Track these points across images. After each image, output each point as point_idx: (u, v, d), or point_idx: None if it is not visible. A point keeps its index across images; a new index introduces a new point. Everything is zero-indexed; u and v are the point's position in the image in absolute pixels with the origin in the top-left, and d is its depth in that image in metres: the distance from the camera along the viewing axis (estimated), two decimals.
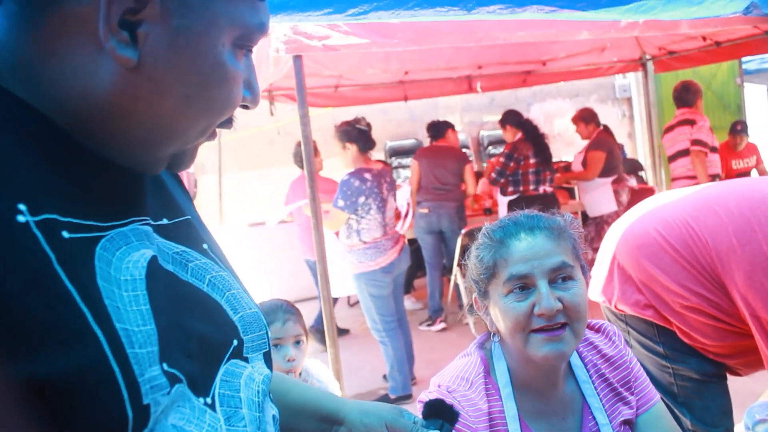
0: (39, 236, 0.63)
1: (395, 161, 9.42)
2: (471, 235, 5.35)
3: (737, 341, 1.99)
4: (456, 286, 5.98)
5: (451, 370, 1.43)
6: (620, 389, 1.46)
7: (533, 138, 5.92)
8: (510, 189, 5.99)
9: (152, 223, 0.77)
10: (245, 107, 0.80)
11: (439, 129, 6.18)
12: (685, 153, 5.85)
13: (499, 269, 1.36)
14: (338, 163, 4.60)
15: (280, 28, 3.16)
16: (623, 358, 1.49)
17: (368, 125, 4.49)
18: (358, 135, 4.42)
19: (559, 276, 1.34)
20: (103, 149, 0.72)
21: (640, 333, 2.08)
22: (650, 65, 6.96)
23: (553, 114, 10.20)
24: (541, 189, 5.92)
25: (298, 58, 3.32)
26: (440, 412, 1.05)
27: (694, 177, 5.74)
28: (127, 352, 0.65)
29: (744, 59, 9.29)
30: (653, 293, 2.05)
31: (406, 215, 5.56)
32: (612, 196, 6.32)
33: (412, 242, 6.05)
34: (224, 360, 0.78)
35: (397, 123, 8.61)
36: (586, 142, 6.63)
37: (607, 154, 6.38)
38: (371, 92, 6.88)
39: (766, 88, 11.58)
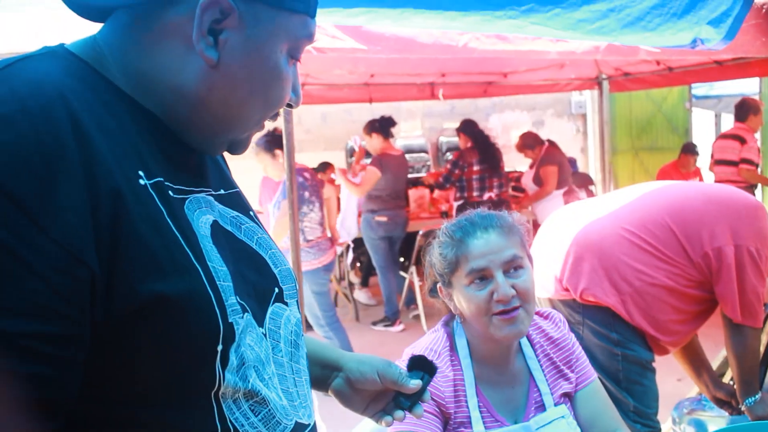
0: (154, 195, 0.84)
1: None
2: (427, 236, 5.55)
3: (685, 308, 2.39)
4: (409, 284, 6.18)
5: (422, 343, 1.65)
6: (562, 366, 1.69)
7: (481, 147, 6.19)
8: (457, 194, 6.31)
9: (213, 193, 0.97)
10: (290, 106, 0.99)
11: (387, 126, 6.14)
12: (730, 163, 6.46)
13: (461, 264, 1.57)
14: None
15: None
16: (566, 341, 1.73)
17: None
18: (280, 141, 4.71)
19: (512, 266, 1.56)
20: (182, 132, 0.92)
21: (596, 322, 2.36)
22: (606, 84, 7.23)
23: (511, 125, 10.48)
24: (486, 196, 6.19)
25: None
26: (422, 365, 1.22)
27: (733, 182, 6.29)
28: (216, 282, 0.86)
29: (694, 85, 9.70)
30: (621, 276, 2.35)
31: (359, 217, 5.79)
32: (563, 207, 6.58)
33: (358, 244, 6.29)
34: (271, 302, 0.97)
35: (360, 124, 8.69)
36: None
37: (558, 167, 6.66)
38: (336, 92, 7.00)
39: (714, 113, 12.07)
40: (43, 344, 0.72)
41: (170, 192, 0.86)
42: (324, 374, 1.22)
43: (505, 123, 10.47)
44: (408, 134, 10.30)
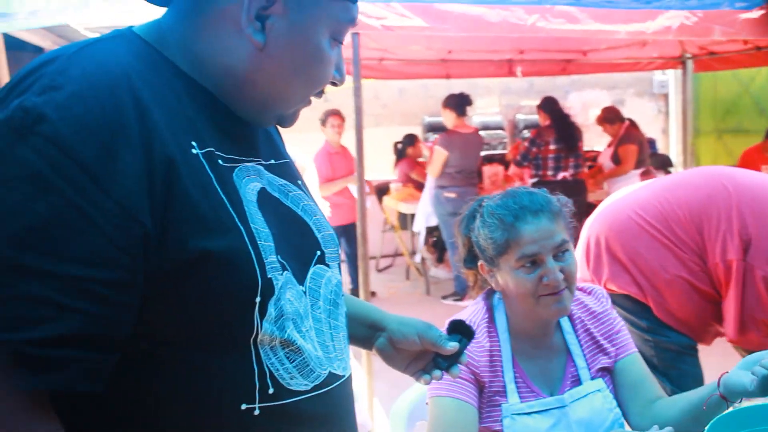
0: (204, 163, 0.95)
1: (432, 136, 9.62)
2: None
3: (703, 307, 2.33)
4: None
5: (463, 315, 1.74)
6: (601, 341, 1.75)
7: (559, 125, 6.16)
8: (532, 172, 6.33)
9: (264, 162, 1.08)
10: (334, 84, 1.09)
11: (462, 104, 6.21)
12: None
13: (512, 248, 1.62)
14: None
15: None
16: (608, 315, 1.79)
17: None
18: None
19: (560, 251, 1.62)
20: (234, 107, 1.03)
21: (625, 310, 2.35)
22: (690, 64, 7.04)
23: (590, 104, 10.30)
24: (560, 175, 6.18)
25: (356, 35, 3.57)
26: (461, 329, 1.31)
27: None
28: (257, 242, 0.96)
29: None
30: (639, 270, 2.34)
31: None
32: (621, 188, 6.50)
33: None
34: (312, 264, 1.08)
35: (436, 99, 8.76)
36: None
37: (638, 147, 6.57)
38: (414, 68, 7.07)
39: None
40: (102, 287, 0.84)
41: (220, 161, 0.97)
42: (369, 333, 1.32)
43: (584, 101, 10.31)
44: (484, 111, 10.28)
